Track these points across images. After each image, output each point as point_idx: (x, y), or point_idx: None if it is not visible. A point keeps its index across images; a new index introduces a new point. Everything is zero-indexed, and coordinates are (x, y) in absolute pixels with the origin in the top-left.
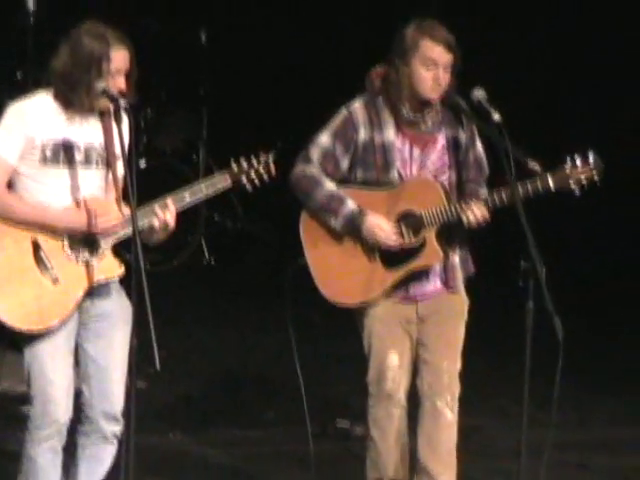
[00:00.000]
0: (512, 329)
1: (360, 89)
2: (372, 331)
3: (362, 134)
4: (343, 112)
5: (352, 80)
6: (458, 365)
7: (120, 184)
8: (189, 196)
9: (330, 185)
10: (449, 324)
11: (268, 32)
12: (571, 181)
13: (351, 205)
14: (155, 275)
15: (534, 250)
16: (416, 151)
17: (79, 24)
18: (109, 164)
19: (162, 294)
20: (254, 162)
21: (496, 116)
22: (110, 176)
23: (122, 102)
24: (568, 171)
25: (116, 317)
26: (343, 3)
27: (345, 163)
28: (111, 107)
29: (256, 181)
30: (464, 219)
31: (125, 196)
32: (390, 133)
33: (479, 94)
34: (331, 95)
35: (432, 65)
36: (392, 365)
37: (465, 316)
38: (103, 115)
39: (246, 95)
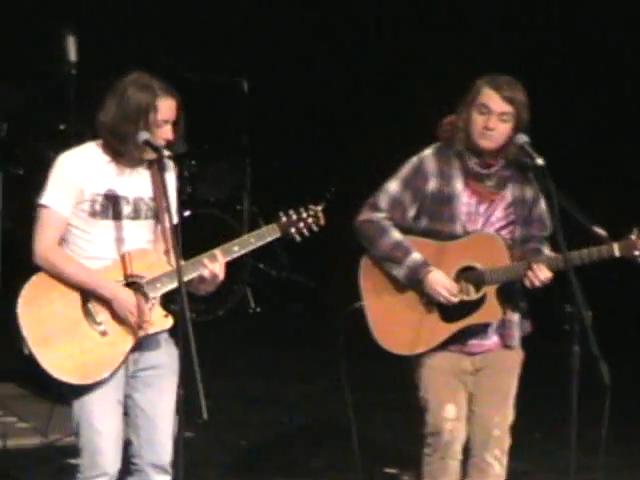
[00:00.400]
0: (558, 373)
1: (406, 138)
2: (428, 382)
3: (431, 184)
4: (414, 160)
5: (398, 128)
6: (510, 419)
7: (169, 235)
8: (238, 248)
9: (396, 234)
10: (502, 378)
11: (311, 79)
12: (636, 252)
13: (415, 256)
14: (201, 325)
15: (579, 294)
16: (482, 206)
17: (124, 75)
18: (158, 216)
19: (208, 343)
20: (303, 213)
21: (539, 160)
22: (159, 227)
23: (165, 152)
24: (635, 241)
25: (165, 368)
26: (390, 53)
27: (412, 212)
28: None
29: (305, 232)
30: (526, 280)
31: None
32: (458, 186)
33: (522, 139)
34: (376, 143)
35: (486, 111)
36: (449, 416)
37: (519, 369)
38: (152, 166)
39: (289, 144)
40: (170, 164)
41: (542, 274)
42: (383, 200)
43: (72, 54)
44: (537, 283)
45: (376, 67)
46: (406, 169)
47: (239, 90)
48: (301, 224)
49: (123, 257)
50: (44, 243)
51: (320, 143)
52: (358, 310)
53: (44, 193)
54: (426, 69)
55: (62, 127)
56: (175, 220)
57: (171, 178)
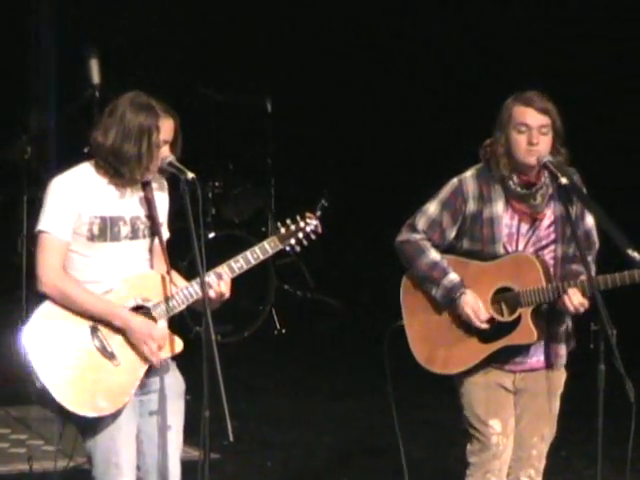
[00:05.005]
0: (584, 391)
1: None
2: (473, 398)
3: (471, 205)
4: (454, 182)
5: (422, 148)
6: (549, 440)
7: (166, 254)
8: (243, 264)
9: (434, 254)
10: (543, 400)
11: (334, 99)
12: None
13: (452, 277)
14: (226, 346)
15: (604, 312)
16: (524, 226)
17: (120, 94)
18: (154, 234)
19: (234, 365)
20: (300, 222)
21: (563, 180)
22: (156, 246)
23: (189, 174)
24: None
25: (171, 391)
26: (412, 72)
27: (452, 233)
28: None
29: (304, 242)
30: (561, 305)
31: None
32: (499, 207)
33: (545, 158)
34: (399, 162)
35: (525, 129)
36: (495, 431)
37: (561, 390)
38: (144, 185)
39: (313, 164)
40: (164, 183)
41: (575, 298)
42: (421, 221)
43: (95, 77)
44: (571, 309)
45: (399, 87)
46: (445, 190)
47: (262, 110)
48: (300, 234)
49: (130, 280)
50: (50, 270)
51: (343, 163)
52: (399, 328)
53: (41, 219)
54: (451, 88)
55: (85, 150)
56: (165, 237)
57: (163, 197)
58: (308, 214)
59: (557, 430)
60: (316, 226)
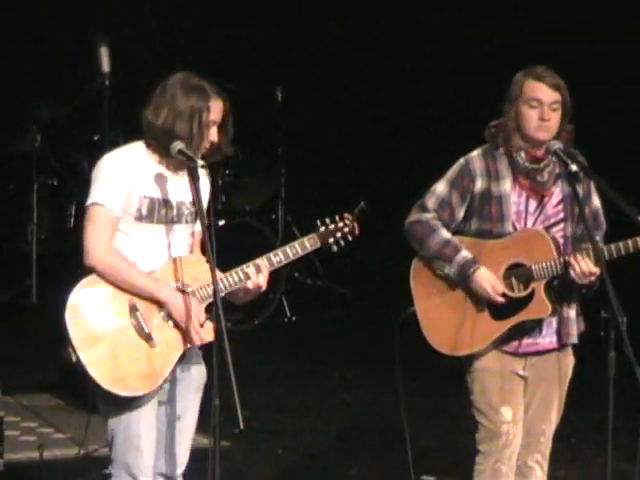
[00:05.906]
0: (595, 379)
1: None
2: (483, 385)
3: (478, 184)
4: (461, 161)
5: (433, 136)
6: (556, 424)
7: (207, 241)
8: (281, 258)
9: (445, 233)
10: (553, 386)
11: (345, 88)
12: None
13: (465, 253)
14: (237, 334)
15: (614, 300)
16: (532, 204)
17: (172, 75)
18: (196, 220)
19: (244, 353)
20: (339, 223)
21: (573, 167)
22: (196, 233)
23: (199, 161)
24: None
25: (191, 381)
26: (422, 63)
27: (461, 213)
28: (190, 164)
29: (341, 242)
30: (572, 273)
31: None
32: (507, 185)
33: (555, 145)
34: (410, 152)
35: (537, 104)
36: (505, 419)
37: (570, 375)
38: (191, 169)
39: (323, 152)
40: (202, 170)
41: (584, 264)
42: (431, 201)
43: (105, 65)
44: (578, 274)
45: (411, 76)
46: (453, 170)
47: (273, 99)
48: (338, 234)
49: (173, 263)
50: (100, 243)
51: (353, 152)
52: (412, 315)
53: (94, 192)
54: (456, 80)
55: (96, 138)
56: (207, 228)
57: (204, 183)
58: (347, 215)
59: (567, 418)
60: (354, 227)
